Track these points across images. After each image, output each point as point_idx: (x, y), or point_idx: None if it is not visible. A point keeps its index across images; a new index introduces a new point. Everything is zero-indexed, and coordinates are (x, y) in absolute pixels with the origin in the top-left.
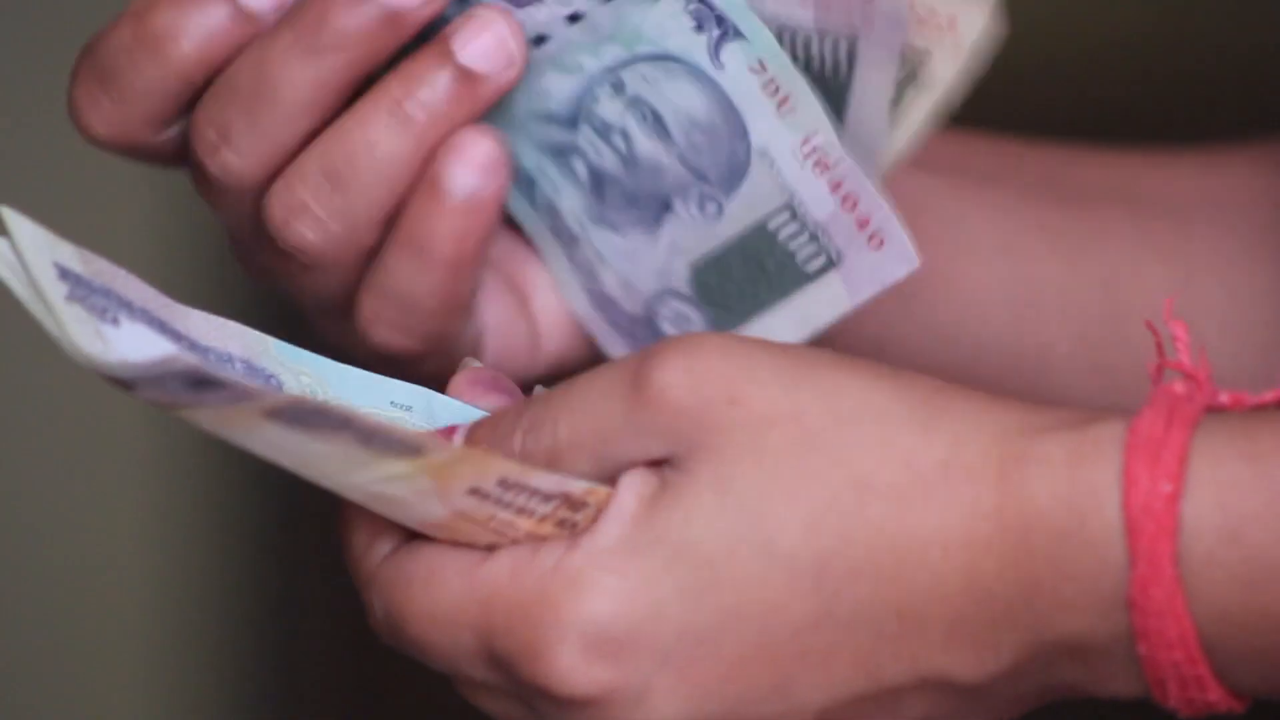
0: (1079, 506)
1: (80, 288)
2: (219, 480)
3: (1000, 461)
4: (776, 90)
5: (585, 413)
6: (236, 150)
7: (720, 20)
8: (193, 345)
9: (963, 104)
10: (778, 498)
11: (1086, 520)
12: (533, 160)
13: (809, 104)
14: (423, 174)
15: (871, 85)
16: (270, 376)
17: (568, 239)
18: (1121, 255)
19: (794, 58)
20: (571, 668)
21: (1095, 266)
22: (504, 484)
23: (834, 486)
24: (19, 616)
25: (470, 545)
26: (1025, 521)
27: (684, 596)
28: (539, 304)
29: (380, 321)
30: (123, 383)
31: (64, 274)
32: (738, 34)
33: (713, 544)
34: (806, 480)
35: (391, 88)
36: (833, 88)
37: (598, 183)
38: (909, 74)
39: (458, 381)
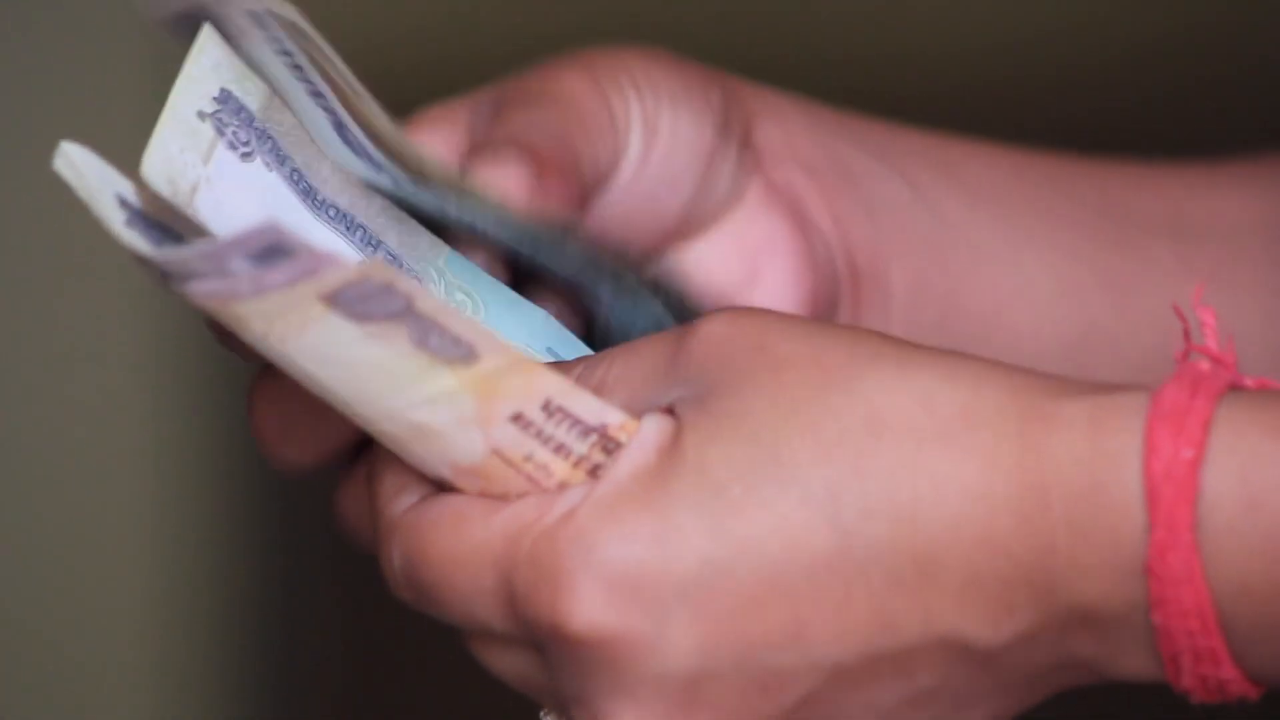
0: (1099, 470)
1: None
2: (219, 480)
3: (1021, 417)
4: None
5: (636, 355)
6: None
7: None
8: (340, 213)
9: (979, 112)
10: (793, 430)
11: (1106, 484)
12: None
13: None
14: None
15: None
16: (413, 273)
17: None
18: (1167, 291)
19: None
20: (591, 601)
21: (1143, 306)
22: (547, 408)
23: (847, 420)
24: (19, 616)
25: (499, 497)
26: (1044, 479)
27: (700, 524)
28: None
29: None
30: (181, 274)
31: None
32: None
33: (728, 471)
34: (821, 414)
35: None
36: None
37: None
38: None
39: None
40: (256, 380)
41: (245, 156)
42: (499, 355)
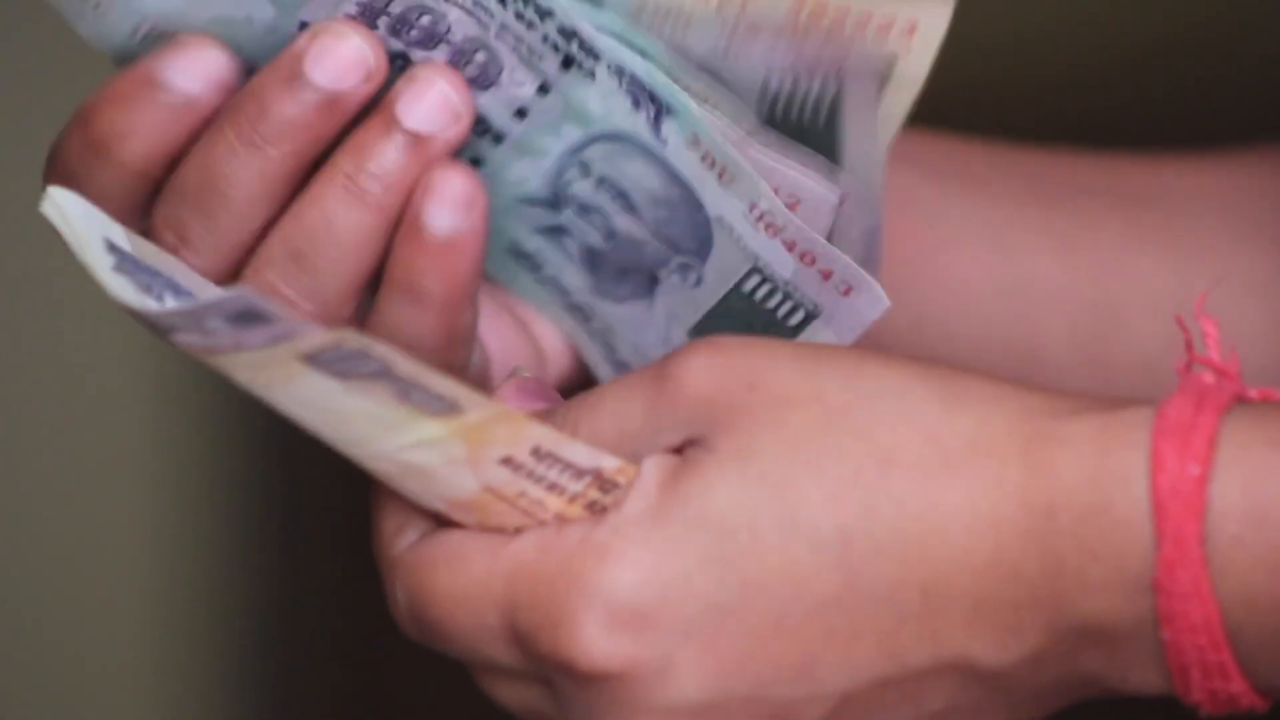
0: (1106, 487)
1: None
2: (219, 480)
3: (1026, 440)
4: (714, 163)
5: (605, 410)
6: (195, 251)
7: (652, 97)
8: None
9: (966, 110)
10: (800, 471)
11: (1113, 501)
12: (532, 243)
13: (744, 173)
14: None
15: (860, 127)
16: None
17: (580, 314)
18: (1111, 248)
19: (774, 114)
20: (594, 639)
21: (1085, 259)
22: (537, 453)
23: (857, 460)
24: (19, 616)
25: (497, 530)
26: (1051, 500)
27: (707, 567)
28: (539, 328)
29: None
30: (161, 327)
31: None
32: (669, 110)
33: (735, 515)
34: (829, 455)
35: (342, 163)
36: (822, 135)
37: (590, 259)
38: (879, 80)
39: (505, 389)
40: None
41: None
42: (482, 409)
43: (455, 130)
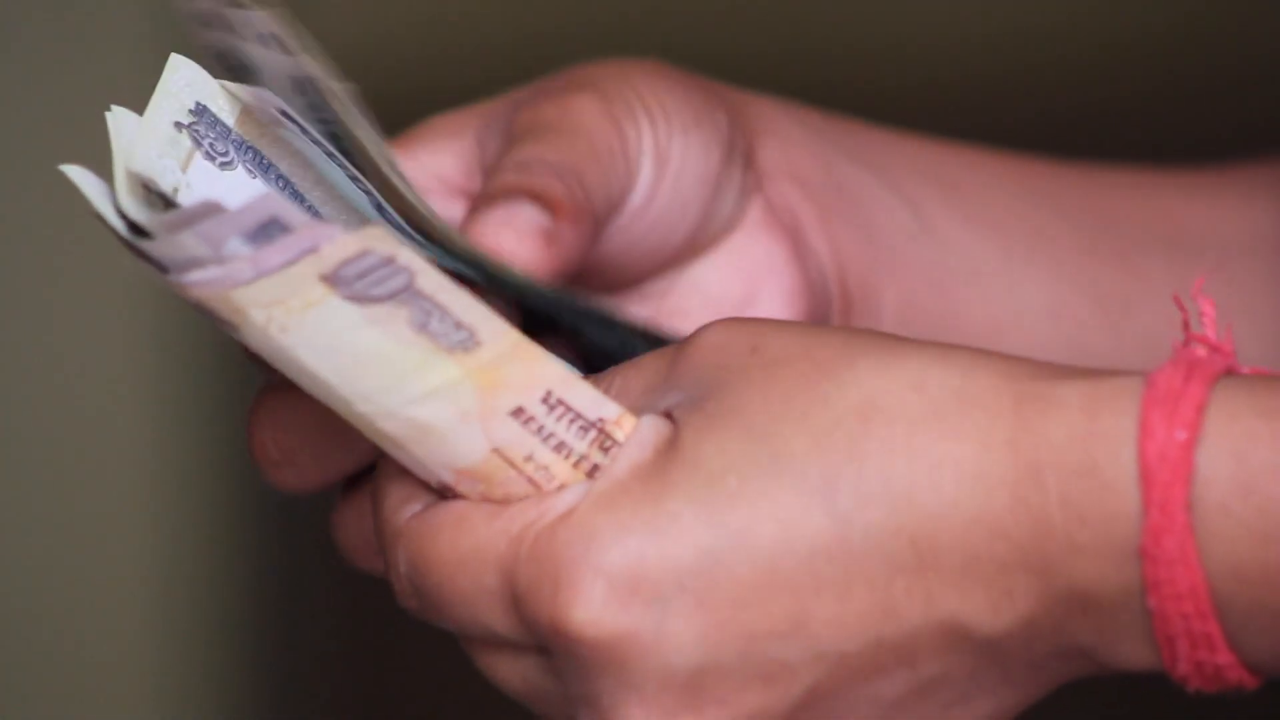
0: (1093, 451)
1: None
2: (219, 481)
3: (1015, 398)
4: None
5: (637, 368)
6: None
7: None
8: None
9: (972, 108)
10: (786, 420)
11: (1101, 465)
12: None
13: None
14: None
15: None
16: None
17: None
18: (1163, 311)
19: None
20: (589, 601)
21: (1139, 329)
22: (547, 400)
23: (841, 408)
24: (19, 617)
25: (502, 501)
26: (1039, 459)
27: (697, 514)
28: None
29: None
30: (177, 262)
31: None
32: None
33: (722, 462)
34: (815, 404)
35: None
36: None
37: None
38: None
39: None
40: (256, 403)
41: (224, 166)
42: (501, 339)
43: None
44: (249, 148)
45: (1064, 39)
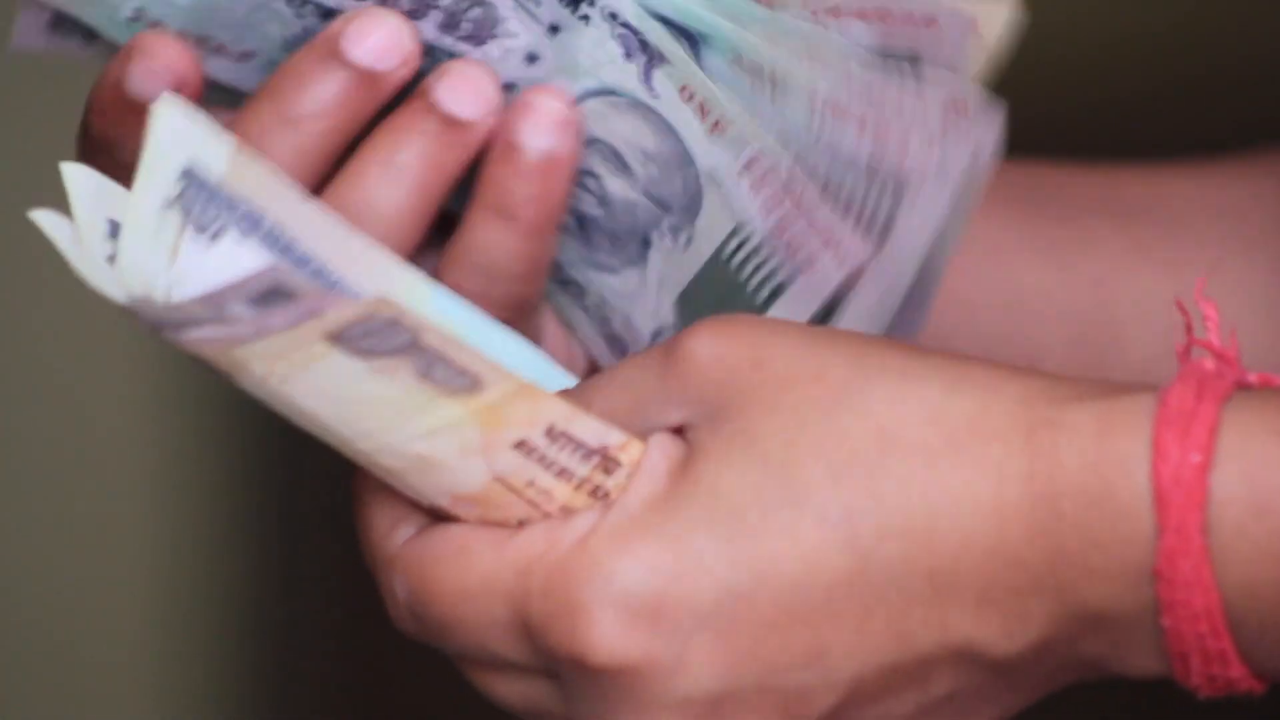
0: (1108, 475)
1: (193, 189)
2: (219, 481)
3: (1029, 426)
4: (707, 114)
5: (619, 386)
6: None
7: (644, 46)
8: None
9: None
10: (804, 450)
11: (1115, 489)
12: None
13: (742, 122)
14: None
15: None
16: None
17: (574, 289)
18: (1110, 262)
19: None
20: (609, 632)
21: (1085, 272)
22: (550, 433)
23: (858, 440)
24: (19, 617)
25: (500, 523)
26: (1054, 487)
27: (719, 550)
28: (546, 338)
29: (462, 293)
30: (176, 321)
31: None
32: (661, 59)
33: (743, 496)
34: (831, 434)
35: (380, 144)
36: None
37: (583, 227)
38: None
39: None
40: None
41: (215, 236)
42: (504, 384)
43: (489, 121)
44: (238, 204)
45: (1064, 39)
